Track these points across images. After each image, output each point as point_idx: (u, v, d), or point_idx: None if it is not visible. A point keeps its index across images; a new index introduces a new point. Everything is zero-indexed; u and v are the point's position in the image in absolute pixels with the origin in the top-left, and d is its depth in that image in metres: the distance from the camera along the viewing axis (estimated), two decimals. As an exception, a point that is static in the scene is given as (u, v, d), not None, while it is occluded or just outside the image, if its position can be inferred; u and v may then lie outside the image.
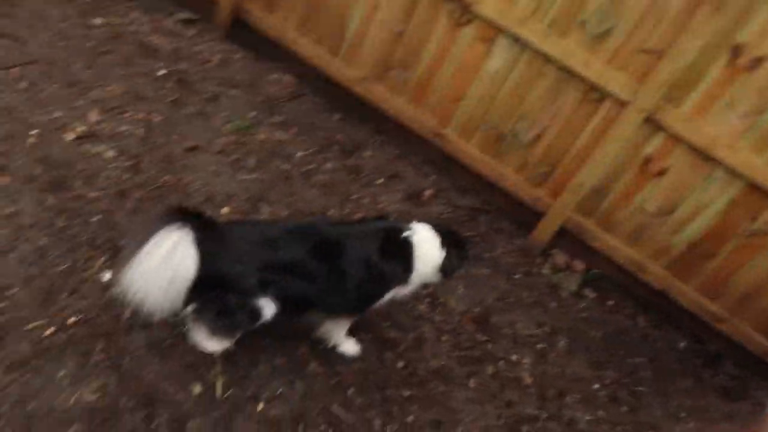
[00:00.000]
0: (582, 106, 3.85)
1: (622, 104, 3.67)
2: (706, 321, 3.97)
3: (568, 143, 3.99)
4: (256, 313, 2.53)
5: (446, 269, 2.83)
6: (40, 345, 2.59)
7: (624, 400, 3.45)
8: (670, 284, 3.98)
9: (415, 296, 3.45)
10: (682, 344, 4.01)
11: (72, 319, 2.72)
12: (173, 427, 2.51)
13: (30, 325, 2.65)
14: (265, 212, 3.66)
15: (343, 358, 3.02)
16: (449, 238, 2.84)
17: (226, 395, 2.69)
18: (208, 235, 2.38)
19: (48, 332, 2.65)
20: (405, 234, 2.73)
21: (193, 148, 3.90)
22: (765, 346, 3.87)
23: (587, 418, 3.27)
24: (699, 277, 3.91)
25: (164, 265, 2.24)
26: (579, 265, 4.19)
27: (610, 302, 4.11)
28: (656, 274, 4.00)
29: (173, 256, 2.25)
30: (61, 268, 2.91)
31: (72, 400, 2.46)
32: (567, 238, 4.19)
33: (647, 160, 3.78)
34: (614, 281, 4.18)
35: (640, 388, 3.56)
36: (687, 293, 3.96)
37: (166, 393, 2.61)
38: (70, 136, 3.63)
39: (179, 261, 2.27)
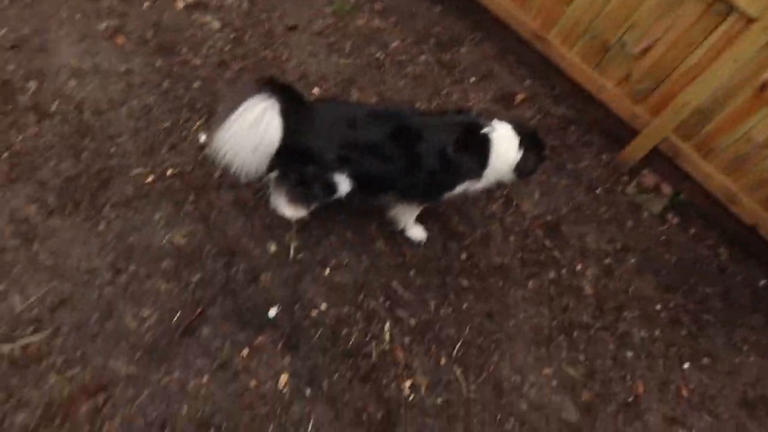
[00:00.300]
0: (702, 19, 3.55)
1: (749, 21, 3.36)
2: (795, 263, 3.78)
3: (678, 59, 3.73)
4: (332, 187, 2.69)
5: (521, 170, 2.86)
6: (141, 189, 2.92)
7: (685, 324, 3.42)
8: (762, 220, 3.77)
9: (489, 195, 3.51)
10: (761, 282, 3.84)
11: (170, 171, 3.03)
12: (248, 277, 2.81)
13: (134, 172, 2.98)
14: (354, 96, 3.75)
15: (409, 242, 3.17)
16: (529, 140, 2.84)
17: (297, 257, 2.94)
18: (296, 108, 2.50)
19: (149, 179, 2.97)
20: (484, 130, 2.76)
21: (293, 27, 4.00)
22: None
23: (642, 334, 3.27)
24: (796, 216, 3.68)
25: (251, 130, 2.41)
26: (667, 188, 4.03)
27: (693, 230, 3.96)
28: (749, 207, 3.79)
29: (260, 123, 2.41)
30: (164, 125, 3.19)
31: (165, 240, 2.80)
32: (659, 159, 4.01)
33: (765, 86, 3.49)
34: (701, 210, 4.01)
35: (706, 317, 3.49)
36: (780, 232, 3.76)
37: (245, 247, 2.89)
38: (180, 4, 3.82)
39: (265, 128, 2.42)
